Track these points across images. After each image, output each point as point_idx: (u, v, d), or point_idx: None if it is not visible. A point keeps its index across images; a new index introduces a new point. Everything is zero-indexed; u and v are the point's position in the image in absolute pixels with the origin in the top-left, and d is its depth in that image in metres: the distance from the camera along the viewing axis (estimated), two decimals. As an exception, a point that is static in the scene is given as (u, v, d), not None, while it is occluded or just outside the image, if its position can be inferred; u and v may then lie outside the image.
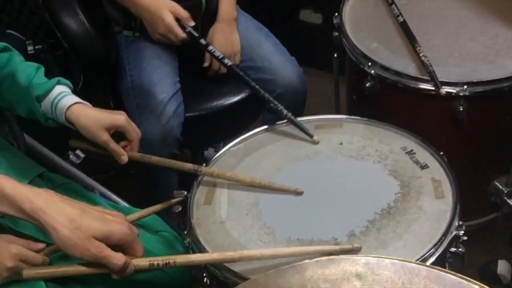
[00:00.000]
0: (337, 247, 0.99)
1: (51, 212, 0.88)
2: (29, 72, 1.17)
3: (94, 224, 0.89)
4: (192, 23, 1.56)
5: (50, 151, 1.63)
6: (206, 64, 1.69)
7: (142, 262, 0.94)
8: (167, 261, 0.95)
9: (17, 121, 1.38)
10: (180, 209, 1.17)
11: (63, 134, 1.29)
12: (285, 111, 1.32)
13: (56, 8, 1.58)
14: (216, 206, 1.16)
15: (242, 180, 1.18)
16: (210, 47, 1.54)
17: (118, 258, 0.90)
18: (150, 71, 1.63)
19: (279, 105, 1.34)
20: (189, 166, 1.23)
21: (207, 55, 1.69)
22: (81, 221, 0.89)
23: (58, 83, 1.18)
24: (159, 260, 0.95)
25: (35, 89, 1.15)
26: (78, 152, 1.53)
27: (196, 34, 1.56)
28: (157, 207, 1.21)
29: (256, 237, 1.08)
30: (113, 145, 1.19)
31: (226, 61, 1.52)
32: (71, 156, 1.58)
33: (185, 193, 1.19)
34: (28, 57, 1.30)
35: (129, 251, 0.94)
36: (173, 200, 1.20)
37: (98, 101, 1.83)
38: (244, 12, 1.79)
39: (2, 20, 2.13)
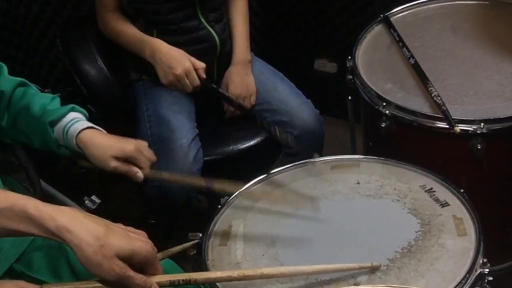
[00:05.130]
0: (356, 265, 1.00)
1: (76, 230, 0.86)
2: (43, 101, 1.19)
3: (118, 242, 0.88)
4: (204, 75, 1.60)
5: (66, 197, 1.63)
6: (226, 108, 1.72)
7: (162, 279, 0.93)
8: (187, 279, 0.95)
9: (34, 167, 1.39)
10: (194, 252, 1.15)
11: (78, 180, 1.29)
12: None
13: (76, 55, 1.63)
14: (232, 247, 1.13)
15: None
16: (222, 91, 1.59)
17: (139, 279, 0.89)
18: (169, 118, 1.64)
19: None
20: (201, 182, 1.26)
21: None
22: (106, 239, 0.87)
23: (73, 109, 1.19)
24: (179, 278, 0.94)
25: (48, 115, 1.17)
26: (93, 197, 1.53)
27: (211, 83, 1.60)
28: (171, 250, 1.19)
29: (273, 278, 1.05)
30: (123, 168, 1.19)
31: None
32: (86, 201, 1.58)
33: (200, 235, 1.17)
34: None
35: (150, 270, 0.92)
36: (188, 243, 1.17)
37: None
38: (260, 58, 1.82)
39: (23, 74, 2.18)
